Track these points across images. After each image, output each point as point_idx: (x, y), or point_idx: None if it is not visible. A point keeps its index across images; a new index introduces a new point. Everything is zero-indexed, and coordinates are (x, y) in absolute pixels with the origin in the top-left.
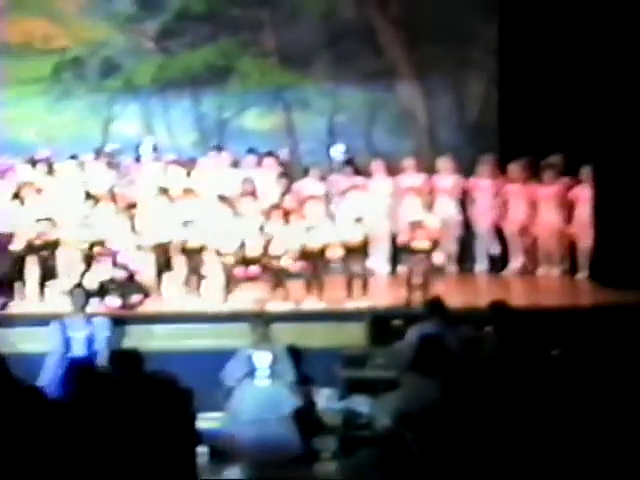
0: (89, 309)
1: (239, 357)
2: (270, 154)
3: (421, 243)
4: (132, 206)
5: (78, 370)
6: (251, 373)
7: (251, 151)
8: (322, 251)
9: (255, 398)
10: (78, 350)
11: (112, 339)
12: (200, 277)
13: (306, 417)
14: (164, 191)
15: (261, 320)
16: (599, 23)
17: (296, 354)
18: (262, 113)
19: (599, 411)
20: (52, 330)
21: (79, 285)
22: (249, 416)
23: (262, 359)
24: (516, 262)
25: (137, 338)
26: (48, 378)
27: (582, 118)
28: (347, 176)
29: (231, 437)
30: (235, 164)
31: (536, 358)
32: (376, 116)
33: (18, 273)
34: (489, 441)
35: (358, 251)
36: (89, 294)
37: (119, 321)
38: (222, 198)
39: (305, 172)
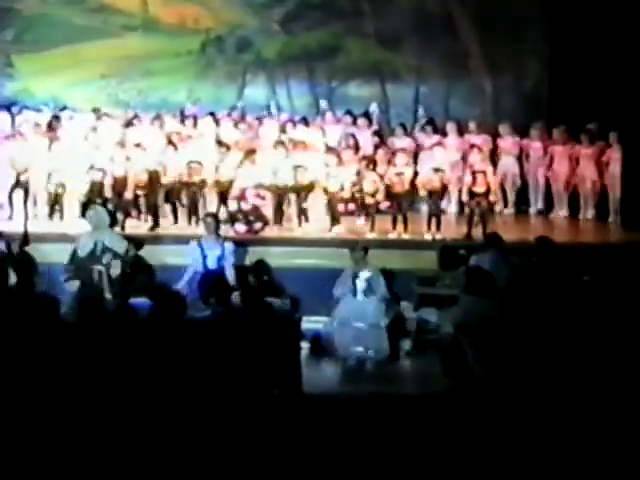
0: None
1: (344, 275)
2: (365, 114)
3: (480, 188)
4: (253, 152)
5: (211, 279)
6: (353, 288)
7: (348, 112)
8: (407, 193)
9: (355, 308)
10: (211, 265)
11: (238, 258)
12: (305, 211)
13: (394, 326)
14: (281, 142)
15: (359, 246)
16: (626, 19)
17: (387, 275)
18: (362, 83)
19: (618, 327)
20: (191, 248)
21: (212, 214)
22: (350, 322)
23: (361, 278)
24: (561, 209)
25: (258, 257)
26: (187, 285)
27: (613, 94)
28: (428, 134)
29: (332, 337)
30: (338, 122)
31: (571, 283)
32: (452, 88)
33: (172, 203)
34: (526, 347)
35: (436, 194)
36: (219, 222)
37: (245, 243)
38: (329, 148)
39: (398, 129)
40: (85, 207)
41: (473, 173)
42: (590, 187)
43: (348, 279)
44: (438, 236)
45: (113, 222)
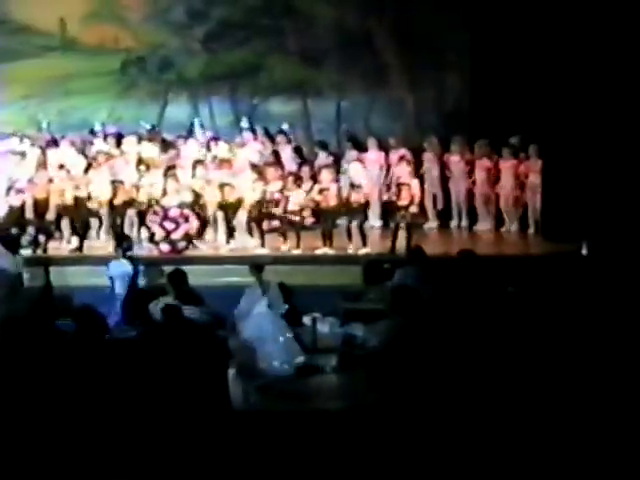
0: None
1: (247, 293)
2: (281, 132)
3: (404, 201)
4: (172, 167)
5: (133, 300)
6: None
7: (266, 130)
8: (333, 208)
9: (257, 325)
10: (123, 285)
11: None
12: (232, 228)
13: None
14: (200, 162)
15: (254, 264)
16: (545, 35)
17: (285, 291)
18: (284, 100)
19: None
20: (108, 269)
21: (124, 235)
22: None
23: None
24: (484, 222)
25: None
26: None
27: (532, 107)
28: (348, 150)
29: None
30: (262, 141)
31: (495, 295)
32: (373, 103)
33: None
34: (453, 360)
35: (358, 209)
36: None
37: (167, 262)
38: (253, 166)
39: (320, 145)
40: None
41: (398, 185)
42: (512, 200)
43: (252, 296)
44: (362, 251)
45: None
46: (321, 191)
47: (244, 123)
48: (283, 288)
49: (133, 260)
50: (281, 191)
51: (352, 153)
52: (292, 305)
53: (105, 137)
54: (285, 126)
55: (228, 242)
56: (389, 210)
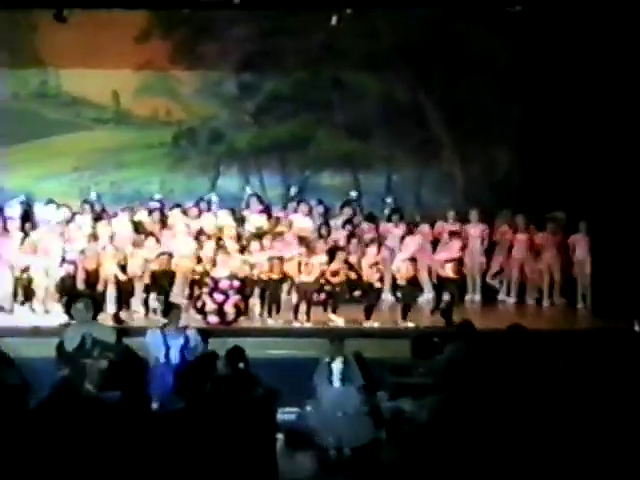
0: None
1: (321, 365)
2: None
3: (450, 275)
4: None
5: (184, 371)
6: (329, 378)
7: (320, 202)
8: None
9: (333, 398)
10: (175, 355)
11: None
12: (279, 302)
13: (373, 415)
14: (257, 235)
15: (336, 336)
16: (594, 110)
17: (361, 363)
18: (334, 173)
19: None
20: (154, 339)
21: (176, 305)
22: (328, 412)
23: (336, 367)
24: (516, 296)
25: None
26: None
27: (581, 182)
28: (395, 223)
29: (309, 428)
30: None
31: (545, 370)
32: (423, 177)
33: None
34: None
35: (408, 282)
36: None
37: (215, 333)
38: (301, 238)
39: (367, 218)
40: (69, 302)
41: (445, 261)
42: (552, 275)
43: (325, 369)
44: (410, 324)
45: (96, 313)
46: (370, 266)
47: (293, 191)
48: (360, 361)
49: (184, 331)
50: (328, 264)
51: (400, 226)
52: (368, 379)
53: (150, 211)
54: (354, 194)
55: (276, 314)
56: (442, 284)
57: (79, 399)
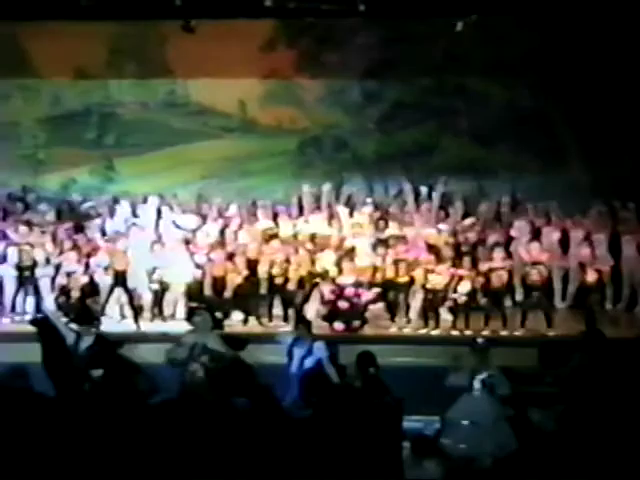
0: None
1: (462, 373)
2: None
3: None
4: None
5: (312, 378)
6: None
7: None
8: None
9: (472, 407)
10: (297, 363)
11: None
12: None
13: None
14: (382, 241)
15: (482, 343)
16: None
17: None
18: (458, 180)
19: None
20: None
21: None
22: (464, 421)
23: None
24: None
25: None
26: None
27: None
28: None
29: (440, 436)
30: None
31: None
32: (549, 184)
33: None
34: None
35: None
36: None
37: (339, 341)
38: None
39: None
40: (191, 312)
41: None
42: None
43: (463, 376)
44: (552, 332)
45: (216, 325)
46: (494, 270)
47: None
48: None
49: (311, 339)
50: (455, 269)
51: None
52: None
53: (275, 216)
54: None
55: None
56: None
57: (207, 404)
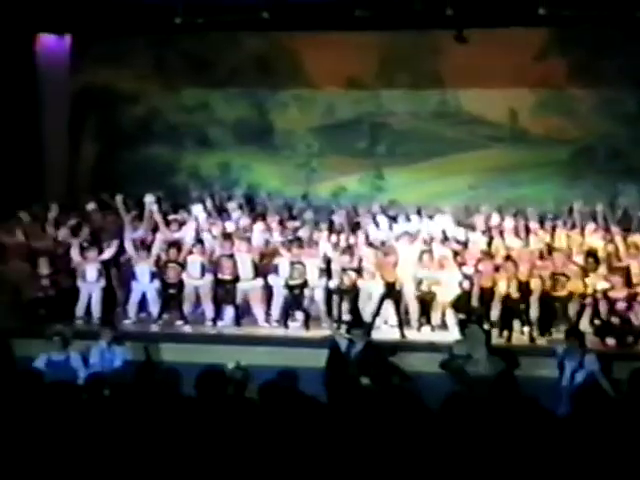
0: None
1: None
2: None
3: None
4: None
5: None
6: None
7: None
8: None
9: None
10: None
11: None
12: None
13: None
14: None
15: None
16: None
17: None
18: None
19: None
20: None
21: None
22: None
23: None
24: None
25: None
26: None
27: None
28: None
29: None
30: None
31: None
32: None
33: None
34: None
35: None
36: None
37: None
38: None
39: None
40: (463, 324)
41: None
42: None
43: None
44: None
45: (489, 340)
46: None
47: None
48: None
49: (582, 352)
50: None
51: None
52: None
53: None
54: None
55: None
56: None
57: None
